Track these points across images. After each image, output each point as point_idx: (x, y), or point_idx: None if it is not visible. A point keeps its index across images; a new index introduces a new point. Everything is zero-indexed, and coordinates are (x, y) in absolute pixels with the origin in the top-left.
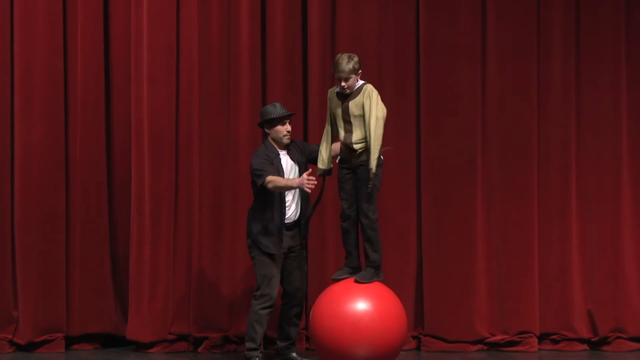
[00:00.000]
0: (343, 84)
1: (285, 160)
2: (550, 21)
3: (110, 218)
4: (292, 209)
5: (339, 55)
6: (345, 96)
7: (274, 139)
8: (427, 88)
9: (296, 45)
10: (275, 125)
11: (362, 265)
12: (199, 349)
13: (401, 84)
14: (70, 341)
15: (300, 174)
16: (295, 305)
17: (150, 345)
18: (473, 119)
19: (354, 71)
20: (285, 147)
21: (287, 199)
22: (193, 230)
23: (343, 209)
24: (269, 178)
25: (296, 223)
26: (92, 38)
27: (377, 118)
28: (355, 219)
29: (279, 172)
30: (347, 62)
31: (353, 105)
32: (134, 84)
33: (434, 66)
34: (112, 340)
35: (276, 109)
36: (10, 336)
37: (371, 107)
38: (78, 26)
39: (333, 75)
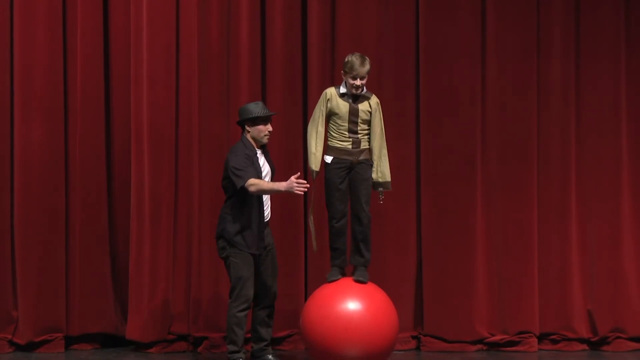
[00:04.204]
0: (359, 82)
1: (263, 160)
2: (550, 21)
3: (110, 218)
4: (268, 206)
5: (351, 55)
6: (351, 98)
7: (253, 138)
8: (427, 88)
9: (296, 45)
10: (258, 124)
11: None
12: (199, 349)
13: (401, 84)
14: (69, 341)
15: (272, 178)
16: (267, 306)
17: (150, 345)
18: (473, 119)
19: (368, 72)
20: (261, 147)
21: (265, 196)
22: (193, 230)
23: (338, 209)
24: (251, 181)
25: (268, 221)
26: (92, 38)
27: (383, 131)
28: (347, 217)
29: (258, 172)
30: (362, 63)
31: (363, 109)
32: (134, 84)
33: (434, 66)
34: (111, 340)
35: (259, 108)
36: (9, 336)
37: (382, 120)
38: (78, 26)
39: (333, 76)
